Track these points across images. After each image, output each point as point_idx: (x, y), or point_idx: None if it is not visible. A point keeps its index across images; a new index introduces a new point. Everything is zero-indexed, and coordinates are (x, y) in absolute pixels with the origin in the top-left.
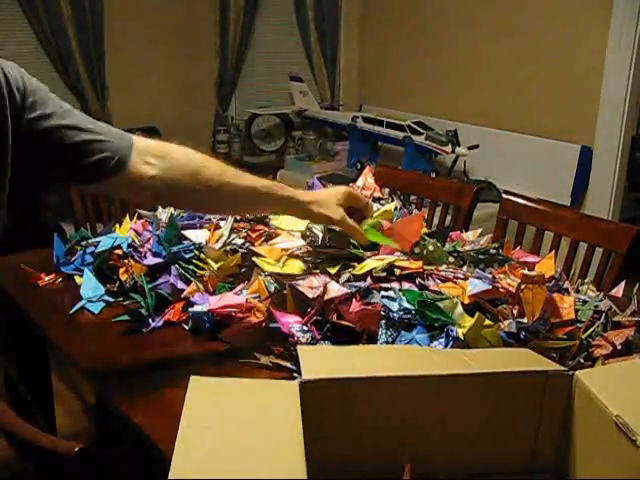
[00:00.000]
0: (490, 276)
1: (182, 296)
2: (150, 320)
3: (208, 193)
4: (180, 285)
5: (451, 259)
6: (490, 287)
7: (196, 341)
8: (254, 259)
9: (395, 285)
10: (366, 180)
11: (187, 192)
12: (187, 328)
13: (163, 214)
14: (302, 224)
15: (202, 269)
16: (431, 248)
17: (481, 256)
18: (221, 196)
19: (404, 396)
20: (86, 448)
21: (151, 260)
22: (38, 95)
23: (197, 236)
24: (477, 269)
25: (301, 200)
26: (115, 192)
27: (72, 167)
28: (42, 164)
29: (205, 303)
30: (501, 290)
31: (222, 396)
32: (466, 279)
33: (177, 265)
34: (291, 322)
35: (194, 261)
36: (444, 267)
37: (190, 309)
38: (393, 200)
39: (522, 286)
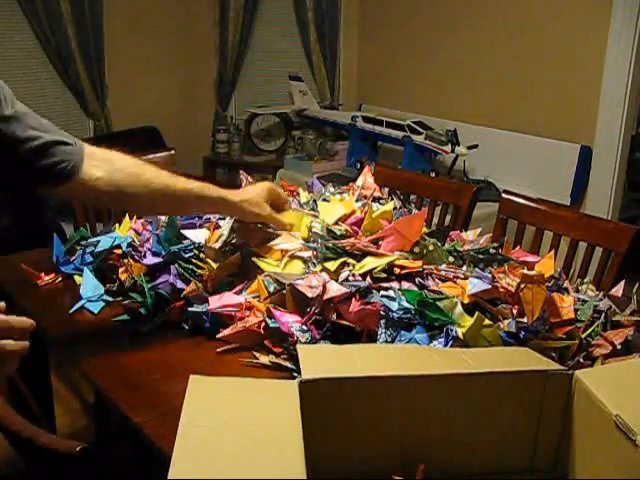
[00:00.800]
0: (490, 276)
1: (182, 295)
2: (150, 319)
3: (148, 195)
4: (180, 285)
5: (451, 259)
6: (490, 287)
7: (195, 340)
8: (254, 259)
9: (395, 285)
10: (365, 180)
11: (129, 194)
12: (187, 328)
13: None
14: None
15: (202, 268)
16: (431, 248)
17: (481, 256)
18: (159, 197)
19: (404, 395)
20: (86, 447)
21: (150, 260)
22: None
23: (197, 236)
24: (477, 269)
25: (232, 200)
26: (67, 195)
27: (30, 169)
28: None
29: (204, 304)
30: (501, 290)
31: (222, 395)
32: (466, 279)
33: (177, 265)
34: (290, 322)
35: (194, 261)
36: (444, 267)
37: (189, 308)
38: (392, 200)
39: (522, 286)
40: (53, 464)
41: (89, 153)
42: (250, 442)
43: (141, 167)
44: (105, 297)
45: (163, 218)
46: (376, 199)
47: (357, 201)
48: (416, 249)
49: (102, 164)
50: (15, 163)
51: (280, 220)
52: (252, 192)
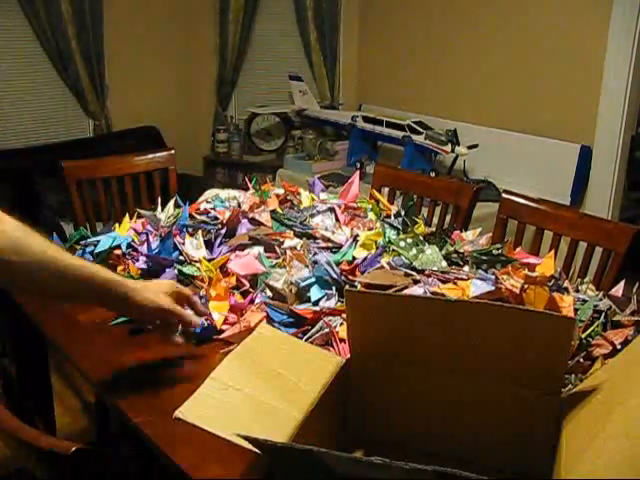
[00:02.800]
0: (493, 277)
1: None
2: None
3: (21, 266)
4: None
5: (444, 263)
6: (494, 288)
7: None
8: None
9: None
10: (350, 188)
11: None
12: (177, 332)
13: (162, 214)
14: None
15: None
16: (429, 252)
17: (484, 257)
18: (34, 270)
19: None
20: (83, 448)
21: (142, 264)
22: None
23: (194, 252)
24: (480, 270)
25: (126, 284)
26: None
27: None
28: None
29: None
30: (504, 291)
31: (262, 355)
32: (468, 279)
33: (174, 266)
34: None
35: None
36: (445, 267)
37: None
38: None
39: (525, 287)
40: (50, 465)
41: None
42: (257, 405)
43: (25, 235)
44: None
45: (163, 219)
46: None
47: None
48: (413, 251)
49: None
50: None
51: (183, 313)
52: (151, 284)
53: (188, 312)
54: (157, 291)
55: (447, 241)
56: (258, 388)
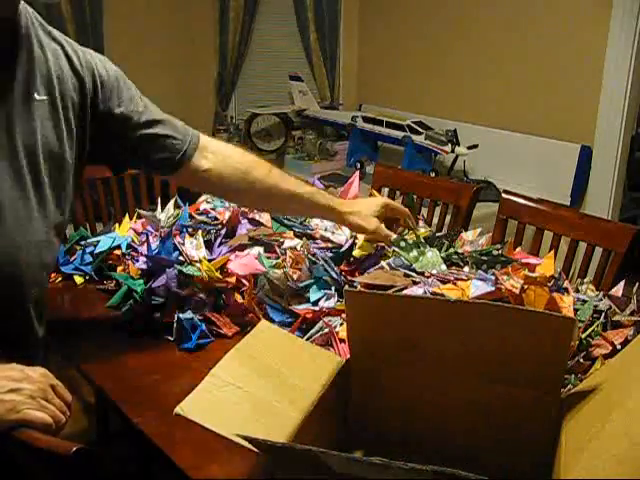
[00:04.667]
0: (493, 278)
1: (180, 296)
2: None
3: (253, 192)
4: (175, 289)
5: (444, 267)
6: (494, 289)
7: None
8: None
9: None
10: (349, 188)
11: (234, 189)
12: (171, 339)
13: (162, 215)
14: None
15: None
16: (430, 255)
17: (484, 257)
18: (264, 196)
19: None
20: (83, 448)
21: (142, 264)
22: (117, 85)
23: (194, 252)
24: (480, 270)
25: (339, 210)
26: (174, 180)
27: (141, 158)
28: (114, 151)
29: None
30: (504, 291)
31: (263, 353)
32: (468, 280)
33: (174, 267)
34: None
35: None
36: (444, 268)
37: (181, 315)
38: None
39: (525, 287)
40: (51, 465)
41: (203, 145)
42: (257, 403)
43: (253, 165)
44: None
45: (163, 219)
46: None
47: None
48: (414, 252)
49: (214, 157)
50: (126, 147)
51: (388, 236)
52: (362, 205)
53: (389, 235)
54: (366, 215)
55: (451, 245)
56: (258, 386)
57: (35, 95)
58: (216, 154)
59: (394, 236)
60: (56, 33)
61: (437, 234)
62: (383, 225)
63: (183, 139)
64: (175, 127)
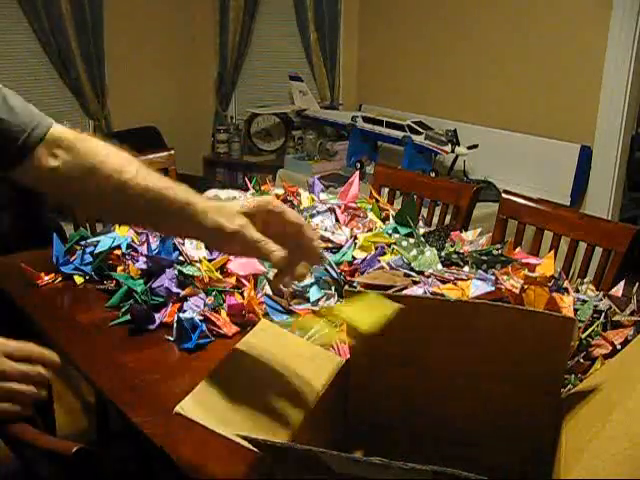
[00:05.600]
0: (493, 277)
1: (180, 295)
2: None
3: (98, 198)
4: (175, 289)
5: (439, 266)
6: (494, 289)
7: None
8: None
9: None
10: (349, 188)
11: (79, 192)
12: (171, 339)
13: None
14: None
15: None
16: (428, 254)
17: (484, 257)
18: (109, 202)
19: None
20: (84, 448)
21: (142, 265)
22: None
23: (194, 252)
24: (480, 270)
25: (197, 205)
26: (20, 179)
27: None
28: None
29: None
30: (504, 291)
31: (265, 352)
32: (468, 280)
33: (174, 267)
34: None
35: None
36: (443, 268)
37: (181, 314)
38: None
39: (525, 287)
40: (52, 465)
41: (54, 137)
42: (257, 403)
43: (105, 158)
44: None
45: None
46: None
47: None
48: (414, 251)
49: (62, 153)
50: None
51: (253, 239)
52: (231, 203)
53: (267, 243)
54: (233, 211)
55: (446, 240)
56: (258, 386)
57: None
58: (68, 151)
59: (268, 246)
60: None
61: (430, 230)
62: (254, 229)
63: (23, 126)
64: (13, 110)
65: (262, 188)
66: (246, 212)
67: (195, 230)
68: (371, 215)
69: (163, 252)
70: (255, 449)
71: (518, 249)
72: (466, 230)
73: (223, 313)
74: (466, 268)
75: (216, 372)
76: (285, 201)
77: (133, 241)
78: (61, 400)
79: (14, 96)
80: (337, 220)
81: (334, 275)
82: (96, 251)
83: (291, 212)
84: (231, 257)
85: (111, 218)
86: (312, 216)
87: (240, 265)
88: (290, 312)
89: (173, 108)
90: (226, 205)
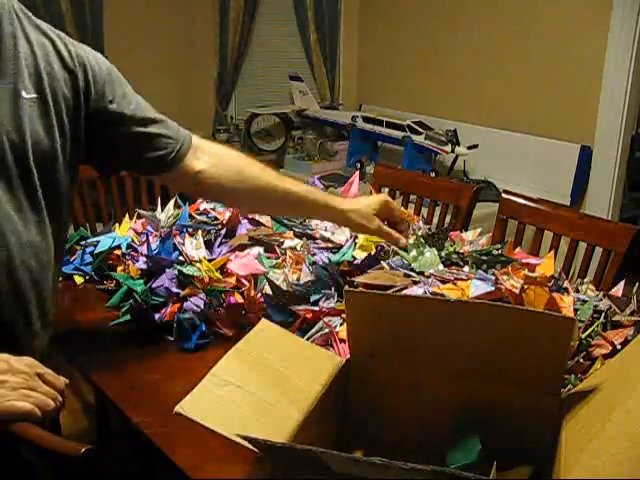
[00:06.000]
0: (493, 277)
1: (180, 295)
2: (149, 320)
3: (248, 193)
4: (175, 289)
5: (441, 267)
6: (494, 289)
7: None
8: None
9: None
10: (349, 188)
11: (229, 190)
12: (172, 338)
13: (162, 215)
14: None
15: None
16: (428, 255)
17: (484, 257)
18: (260, 197)
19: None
20: (92, 449)
21: (142, 265)
22: (110, 81)
23: (194, 252)
24: (480, 270)
25: (337, 208)
26: (166, 182)
27: (132, 157)
28: (105, 149)
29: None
30: (504, 291)
31: (264, 351)
32: (468, 280)
33: (174, 267)
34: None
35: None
36: (444, 269)
37: (181, 315)
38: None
39: (525, 287)
40: (57, 465)
41: (197, 146)
42: (257, 403)
43: (247, 165)
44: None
45: (163, 219)
46: None
47: None
48: (413, 252)
49: (208, 158)
50: (118, 145)
51: (389, 234)
52: (362, 202)
53: (392, 233)
54: (367, 213)
55: (445, 241)
56: (258, 386)
57: (23, 93)
58: (210, 155)
59: (396, 235)
60: (45, 26)
61: (429, 232)
62: (383, 224)
63: (176, 139)
64: (168, 126)
65: None
66: (375, 211)
67: (337, 223)
68: None
69: (163, 252)
70: (255, 449)
71: (518, 249)
72: (466, 230)
73: (223, 313)
74: (466, 268)
75: (216, 372)
76: None
77: (133, 241)
78: None
79: (165, 117)
80: None
81: (334, 275)
82: (96, 251)
83: (399, 209)
84: (231, 257)
85: (254, 210)
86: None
87: (240, 265)
88: (290, 312)
89: (173, 108)
90: (362, 208)
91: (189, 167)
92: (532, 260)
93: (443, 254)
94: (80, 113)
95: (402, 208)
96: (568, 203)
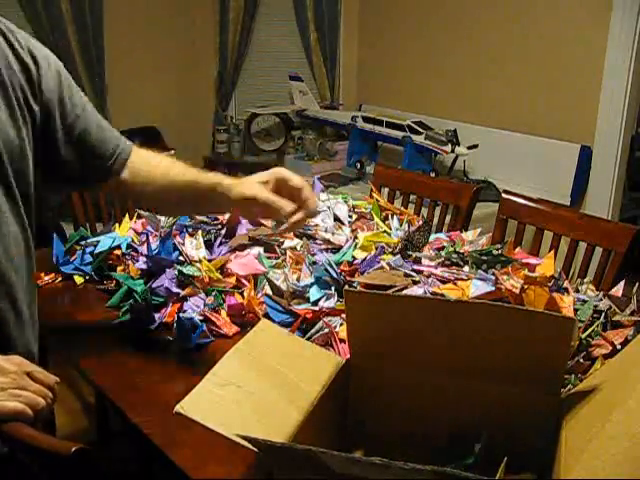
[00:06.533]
0: (493, 277)
1: (180, 295)
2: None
3: (160, 193)
4: (175, 289)
5: (432, 252)
6: (494, 289)
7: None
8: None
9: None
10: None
11: (149, 193)
12: (172, 339)
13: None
14: None
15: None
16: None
17: (484, 257)
18: (168, 195)
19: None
20: (83, 448)
21: (142, 265)
22: (61, 84)
23: (194, 252)
24: (480, 270)
25: (223, 183)
26: (97, 192)
27: (74, 164)
28: (46, 153)
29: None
30: (504, 291)
31: (264, 353)
32: (468, 279)
33: (174, 267)
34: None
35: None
36: (445, 269)
37: (181, 314)
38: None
39: (525, 287)
40: (51, 465)
41: (132, 153)
42: (257, 402)
43: (169, 166)
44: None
45: (163, 219)
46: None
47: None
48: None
49: (133, 166)
50: (59, 150)
51: (269, 198)
52: (251, 177)
53: (279, 201)
54: (252, 182)
55: (429, 234)
56: (258, 386)
57: None
58: (132, 163)
59: (281, 203)
60: None
61: (405, 240)
62: (273, 195)
63: (113, 148)
64: (105, 131)
65: None
66: (261, 181)
67: (226, 204)
68: (376, 219)
69: (163, 252)
70: (255, 449)
71: (518, 249)
72: (466, 230)
73: (223, 313)
74: (466, 268)
75: (216, 372)
76: None
77: (133, 241)
78: (61, 400)
79: (97, 114)
80: (338, 220)
81: (334, 275)
82: (96, 251)
83: (296, 178)
84: (231, 257)
85: (167, 210)
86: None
87: (240, 265)
88: (290, 312)
89: (173, 108)
90: (248, 178)
91: (119, 178)
92: (532, 260)
93: (443, 254)
94: (34, 106)
95: (298, 180)
96: (568, 203)
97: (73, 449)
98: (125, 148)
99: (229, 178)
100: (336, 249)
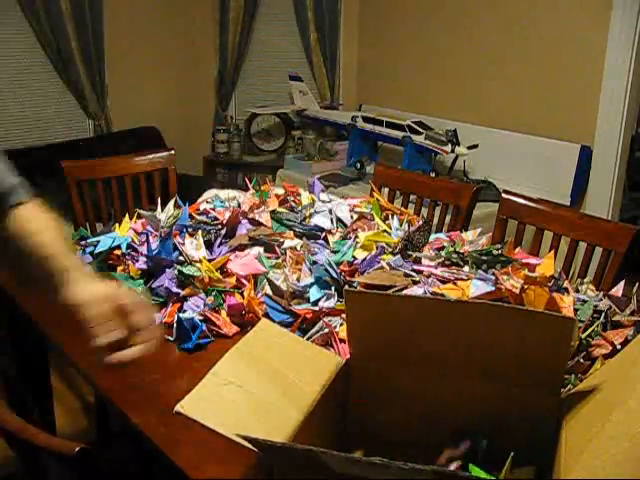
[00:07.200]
0: (493, 277)
1: (180, 295)
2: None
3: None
4: (175, 289)
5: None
6: (494, 289)
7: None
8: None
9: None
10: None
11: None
12: (171, 339)
13: (162, 215)
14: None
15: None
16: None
17: (484, 257)
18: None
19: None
20: (85, 448)
21: (142, 265)
22: None
23: (194, 252)
24: (480, 270)
25: (72, 276)
26: None
27: None
28: None
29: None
30: (504, 291)
31: (264, 351)
32: (468, 280)
33: (174, 267)
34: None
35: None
36: (445, 269)
37: (180, 314)
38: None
39: (525, 287)
40: (52, 465)
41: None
42: (257, 402)
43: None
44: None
45: (163, 219)
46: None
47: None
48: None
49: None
50: None
51: (90, 330)
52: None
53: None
54: (90, 291)
55: (430, 233)
56: (258, 385)
57: None
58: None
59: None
60: None
61: (405, 240)
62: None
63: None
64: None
65: (262, 188)
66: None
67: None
68: (377, 219)
69: (163, 252)
70: (255, 449)
71: (518, 249)
72: (466, 230)
73: (223, 313)
74: (466, 268)
75: (216, 371)
76: (285, 201)
77: (133, 241)
78: (61, 400)
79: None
80: (339, 220)
81: (334, 275)
82: (96, 251)
83: (134, 303)
84: (231, 257)
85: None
86: (311, 216)
87: (240, 265)
88: (290, 312)
89: (173, 108)
90: (92, 286)
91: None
92: (532, 260)
93: (443, 254)
94: None
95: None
96: (568, 203)
97: (77, 449)
98: (16, 195)
99: (83, 276)
100: (336, 250)
